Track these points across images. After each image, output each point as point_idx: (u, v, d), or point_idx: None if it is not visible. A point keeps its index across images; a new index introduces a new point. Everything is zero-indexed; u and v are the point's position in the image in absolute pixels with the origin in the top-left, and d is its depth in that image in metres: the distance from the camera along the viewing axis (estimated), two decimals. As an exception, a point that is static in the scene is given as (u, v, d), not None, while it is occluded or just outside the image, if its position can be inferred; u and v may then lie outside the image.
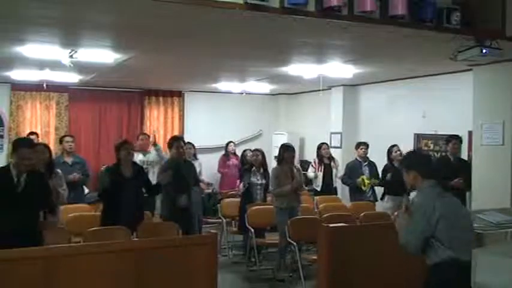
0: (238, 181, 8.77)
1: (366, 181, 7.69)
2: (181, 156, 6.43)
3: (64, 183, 5.58)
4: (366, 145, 8.08)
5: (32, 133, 8.69)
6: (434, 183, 3.43)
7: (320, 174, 8.24)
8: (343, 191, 8.72)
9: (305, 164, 9.45)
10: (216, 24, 4.78)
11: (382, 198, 7.64)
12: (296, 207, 6.52)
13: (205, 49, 6.19)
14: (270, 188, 6.81)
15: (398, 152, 7.51)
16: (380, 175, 7.70)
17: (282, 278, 6.37)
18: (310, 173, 8.34)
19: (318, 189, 8.22)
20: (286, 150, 6.64)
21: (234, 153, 10.16)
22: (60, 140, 7.69)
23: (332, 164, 8.32)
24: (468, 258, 3.10)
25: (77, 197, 6.83)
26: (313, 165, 8.35)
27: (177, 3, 3.92)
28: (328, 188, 8.19)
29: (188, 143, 8.07)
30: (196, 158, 8.49)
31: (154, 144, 8.02)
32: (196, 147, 8.77)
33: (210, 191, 9.52)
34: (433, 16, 4.75)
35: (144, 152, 7.92)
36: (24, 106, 9.92)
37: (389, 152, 7.58)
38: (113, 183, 5.48)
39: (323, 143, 8.57)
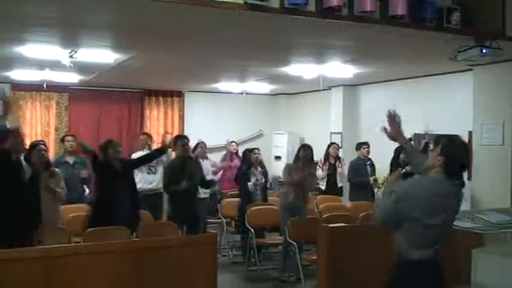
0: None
1: (379, 180, 7.67)
2: (186, 153, 6.38)
3: (62, 183, 5.58)
4: (368, 145, 8.10)
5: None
6: None
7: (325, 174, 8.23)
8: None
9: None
10: (216, 24, 4.78)
11: None
12: (301, 207, 6.46)
13: (205, 49, 6.18)
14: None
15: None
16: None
17: (284, 279, 6.36)
18: (319, 172, 8.18)
19: (323, 188, 8.18)
20: (301, 149, 6.66)
21: (236, 153, 10.08)
22: (62, 140, 7.70)
23: (337, 163, 8.29)
24: None
25: (78, 197, 6.80)
26: (320, 164, 8.32)
27: (177, 3, 3.92)
28: (332, 188, 8.12)
29: (201, 142, 8.17)
30: (206, 158, 8.49)
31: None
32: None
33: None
34: (433, 16, 4.75)
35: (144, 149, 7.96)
36: (24, 106, 9.91)
37: (399, 151, 7.56)
38: (106, 175, 5.49)
39: (333, 143, 8.64)
